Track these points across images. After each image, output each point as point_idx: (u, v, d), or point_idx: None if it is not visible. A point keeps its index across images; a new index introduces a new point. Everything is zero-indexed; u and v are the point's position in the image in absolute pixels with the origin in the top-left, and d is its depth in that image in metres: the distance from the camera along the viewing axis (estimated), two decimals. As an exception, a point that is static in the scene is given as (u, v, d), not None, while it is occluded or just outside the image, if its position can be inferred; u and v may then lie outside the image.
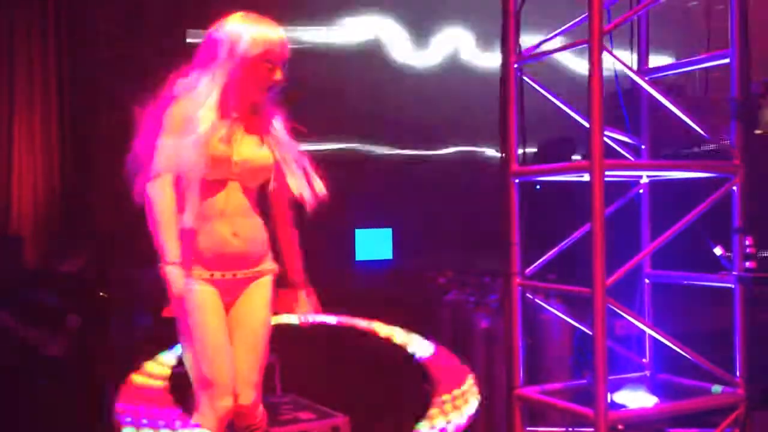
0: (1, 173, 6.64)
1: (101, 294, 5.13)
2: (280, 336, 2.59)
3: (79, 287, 4.72)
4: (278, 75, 2.40)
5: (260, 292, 2.48)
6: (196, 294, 2.37)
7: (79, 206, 6.90)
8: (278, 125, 2.51)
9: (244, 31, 2.36)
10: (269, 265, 2.53)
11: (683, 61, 3.39)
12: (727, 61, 3.07)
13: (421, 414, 2.40)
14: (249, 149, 2.44)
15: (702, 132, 3.07)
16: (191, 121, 2.32)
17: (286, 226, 2.59)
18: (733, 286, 3.07)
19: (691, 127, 3.04)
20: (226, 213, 2.40)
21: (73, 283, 4.71)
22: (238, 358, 2.41)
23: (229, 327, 2.44)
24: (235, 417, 2.41)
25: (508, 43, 3.16)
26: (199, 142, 2.32)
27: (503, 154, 3.19)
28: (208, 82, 2.36)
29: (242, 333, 2.44)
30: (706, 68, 3.37)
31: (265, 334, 2.48)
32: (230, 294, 2.46)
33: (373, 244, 8.00)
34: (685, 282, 3.38)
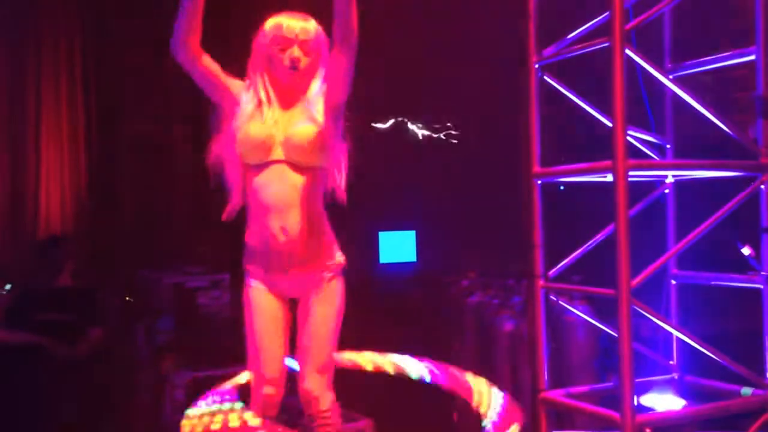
0: (29, 179, 6.74)
1: (127, 298, 5.19)
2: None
3: (87, 298, 4.68)
4: (294, 52, 2.45)
5: (323, 287, 2.54)
6: (250, 292, 2.53)
7: (105, 211, 6.99)
8: (317, 111, 2.53)
9: (263, 29, 2.50)
10: (331, 260, 2.55)
11: (707, 58, 3.34)
12: (752, 58, 3.02)
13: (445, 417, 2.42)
14: (292, 127, 2.48)
15: (728, 130, 3.02)
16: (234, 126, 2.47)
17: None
18: (762, 286, 3.02)
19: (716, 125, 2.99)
20: (276, 207, 2.44)
21: (83, 297, 4.67)
22: (300, 349, 2.54)
23: (298, 318, 2.56)
24: (303, 404, 2.53)
25: (528, 43, 3.13)
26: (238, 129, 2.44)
27: (525, 156, 3.16)
28: (244, 89, 2.51)
29: (305, 325, 2.54)
30: (731, 65, 3.32)
31: (330, 326, 2.55)
32: (294, 288, 2.54)
33: (397, 246, 8.00)
34: (712, 283, 3.33)
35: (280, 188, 2.45)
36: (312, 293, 2.53)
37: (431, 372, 2.84)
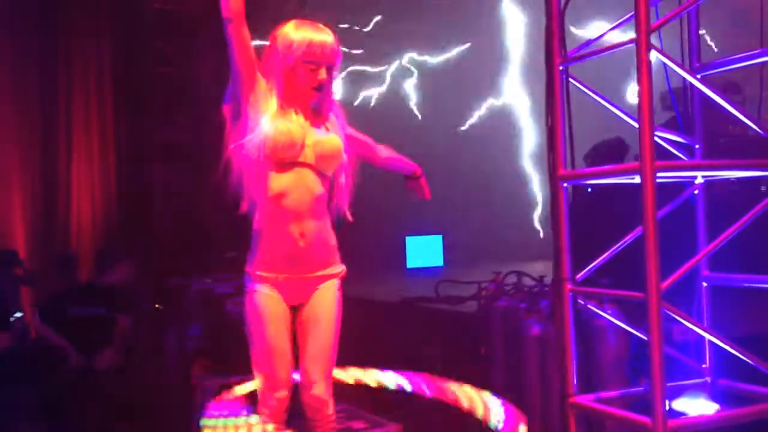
0: (60, 191, 6.85)
1: (156, 306, 5.24)
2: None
3: (124, 297, 4.85)
4: (322, 75, 2.47)
5: (329, 293, 2.58)
6: (258, 298, 2.51)
7: (135, 220, 7.07)
8: (337, 128, 2.60)
9: (288, 36, 2.47)
10: (337, 268, 2.61)
11: (737, 56, 3.28)
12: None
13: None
14: (318, 134, 2.52)
15: (759, 130, 2.96)
16: (255, 122, 2.45)
17: (373, 150, 2.78)
18: (796, 288, 2.95)
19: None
20: (296, 212, 2.46)
21: (121, 294, 4.85)
22: (310, 354, 2.55)
23: (302, 324, 2.58)
24: (310, 410, 2.55)
25: (552, 44, 3.11)
26: (265, 125, 2.43)
27: (551, 158, 3.13)
28: (266, 91, 2.47)
29: (314, 331, 2.56)
30: (762, 63, 3.25)
31: (334, 331, 2.60)
32: (299, 294, 2.56)
33: (424, 251, 7.98)
34: (745, 284, 3.26)
35: (303, 195, 2.46)
36: (318, 300, 2.55)
37: (413, 383, 2.85)
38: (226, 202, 2.55)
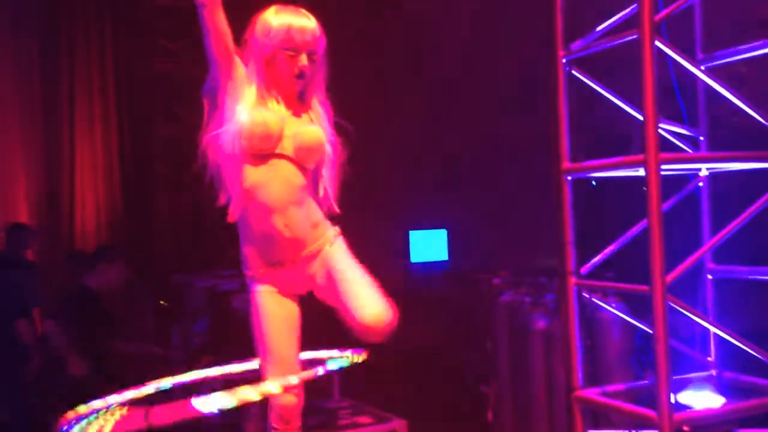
0: (64, 190, 6.86)
1: (161, 302, 5.24)
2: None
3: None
4: (302, 61, 2.37)
5: (333, 253, 2.43)
6: (258, 300, 2.44)
7: (139, 217, 7.07)
8: (321, 119, 2.49)
9: (267, 22, 2.38)
10: (327, 235, 2.45)
11: (742, 47, 3.27)
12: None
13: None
14: (299, 125, 2.41)
15: (764, 121, 2.95)
16: (232, 112, 2.35)
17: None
18: (802, 279, 2.94)
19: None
20: (276, 205, 2.36)
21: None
22: (351, 293, 2.32)
23: (325, 288, 2.42)
24: (368, 332, 2.30)
25: (555, 37, 3.10)
26: (242, 113, 2.31)
27: (554, 151, 3.13)
28: (245, 79, 2.38)
29: (339, 277, 2.37)
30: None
31: (361, 270, 2.40)
32: (300, 279, 2.45)
33: (428, 245, 7.97)
34: (750, 277, 3.26)
35: (282, 187, 2.36)
36: (325, 263, 2.41)
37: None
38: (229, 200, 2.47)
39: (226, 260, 6.01)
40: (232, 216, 2.42)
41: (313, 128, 2.43)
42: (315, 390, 2.49)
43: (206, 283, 5.36)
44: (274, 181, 2.35)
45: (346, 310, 2.32)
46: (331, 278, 2.40)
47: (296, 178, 2.39)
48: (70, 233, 6.80)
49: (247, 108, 2.33)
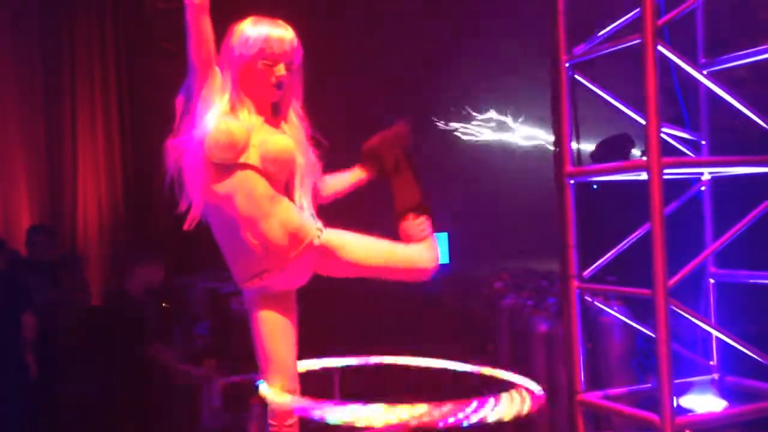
0: (65, 190, 6.87)
1: (164, 305, 5.23)
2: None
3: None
4: (280, 71, 2.33)
5: (333, 235, 2.41)
6: (252, 312, 2.42)
7: (140, 219, 7.08)
8: (297, 131, 2.43)
9: (244, 31, 2.34)
10: (313, 231, 2.37)
11: (744, 52, 3.27)
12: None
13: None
14: (267, 134, 2.35)
15: (766, 125, 2.96)
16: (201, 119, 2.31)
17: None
18: (804, 284, 2.95)
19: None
20: (244, 217, 2.29)
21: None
22: (392, 258, 2.48)
23: (323, 265, 2.43)
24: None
25: (558, 41, 3.10)
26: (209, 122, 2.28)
27: (557, 155, 3.13)
28: (219, 87, 2.34)
29: (341, 252, 2.41)
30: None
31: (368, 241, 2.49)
32: (299, 272, 2.40)
33: (430, 248, 7.96)
34: (752, 281, 3.26)
35: (246, 200, 2.28)
36: (325, 257, 2.38)
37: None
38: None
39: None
40: (190, 224, 2.36)
41: (280, 137, 2.36)
42: (315, 390, 2.49)
43: (208, 284, 5.35)
44: (238, 193, 2.28)
45: (391, 273, 2.47)
46: (344, 261, 2.40)
47: (265, 189, 2.31)
48: (72, 233, 6.81)
49: (216, 116, 2.28)
